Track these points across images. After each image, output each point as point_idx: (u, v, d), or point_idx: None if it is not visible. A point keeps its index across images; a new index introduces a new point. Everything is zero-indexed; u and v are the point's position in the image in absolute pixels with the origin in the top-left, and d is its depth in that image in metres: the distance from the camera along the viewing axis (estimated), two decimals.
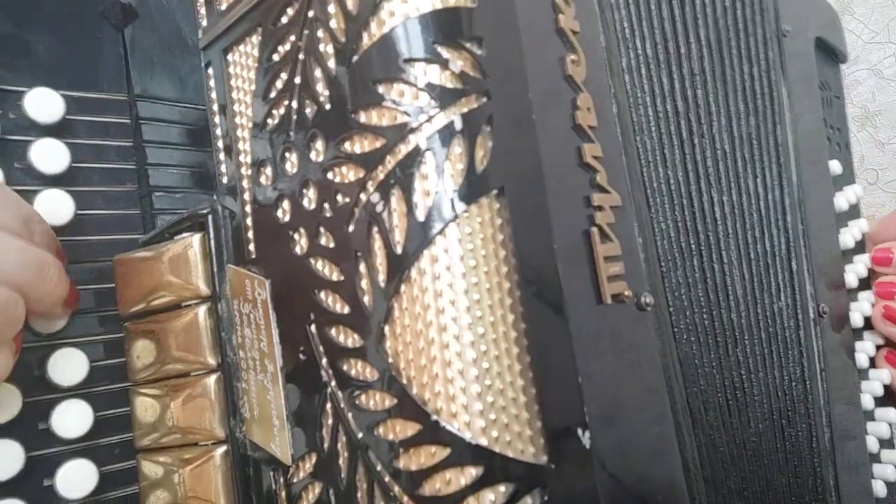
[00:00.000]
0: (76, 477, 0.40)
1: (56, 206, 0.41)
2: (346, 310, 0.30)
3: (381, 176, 0.29)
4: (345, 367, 0.31)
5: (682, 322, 0.35)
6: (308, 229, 0.33)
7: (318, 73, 0.32)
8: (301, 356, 0.33)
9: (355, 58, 0.30)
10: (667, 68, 0.38)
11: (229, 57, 0.38)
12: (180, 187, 0.48)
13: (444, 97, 0.28)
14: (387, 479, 0.29)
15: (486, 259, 0.27)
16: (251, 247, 0.37)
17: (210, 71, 0.40)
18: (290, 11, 0.33)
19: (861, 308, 0.51)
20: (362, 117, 0.29)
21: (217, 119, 0.39)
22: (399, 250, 0.28)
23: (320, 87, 0.31)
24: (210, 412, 0.38)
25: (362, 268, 0.30)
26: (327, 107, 0.31)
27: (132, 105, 0.46)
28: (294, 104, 0.33)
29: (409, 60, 0.28)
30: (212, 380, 0.38)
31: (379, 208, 0.29)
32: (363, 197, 0.29)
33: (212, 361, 0.39)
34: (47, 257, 0.36)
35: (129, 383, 0.42)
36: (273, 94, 0.34)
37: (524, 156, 0.27)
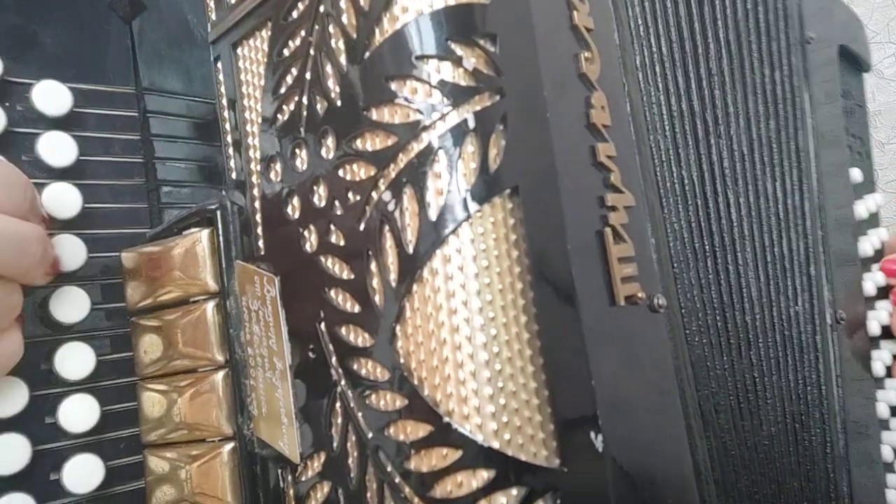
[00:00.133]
0: (83, 471, 0.40)
1: (63, 200, 0.41)
2: (357, 309, 0.30)
3: (393, 174, 0.28)
4: (355, 367, 0.30)
5: (695, 324, 0.35)
6: (318, 227, 0.32)
7: (329, 69, 0.31)
8: (310, 354, 0.33)
9: (367, 54, 0.29)
10: (682, 67, 0.38)
11: (239, 51, 0.38)
12: (188, 181, 0.47)
13: (457, 95, 0.27)
14: (397, 480, 0.28)
15: (499, 259, 0.27)
16: (260, 243, 0.37)
17: (219, 65, 0.39)
18: (300, 6, 0.33)
19: (878, 317, 0.51)
20: (374, 115, 0.29)
21: (226, 114, 0.39)
22: (411, 250, 0.28)
23: (331, 84, 0.31)
24: (217, 409, 0.38)
25: (373, 267, 0.29)
26: (338, 103, 0.31)
27: (140, 98, 0.46)
28: (304, 100, 0.33)
29: (422, 57, 0.28)
30: (219, 376, 0.38)
31: (391, 207, 0.28)
32: (375, 195, 0.29)
33: (220, 358, 0.38)
34: (27, 233, 0.34)
35: (136, 378, 0.41)
36: (283, 90, 0.34)
37: (538, 155, 0.26)
